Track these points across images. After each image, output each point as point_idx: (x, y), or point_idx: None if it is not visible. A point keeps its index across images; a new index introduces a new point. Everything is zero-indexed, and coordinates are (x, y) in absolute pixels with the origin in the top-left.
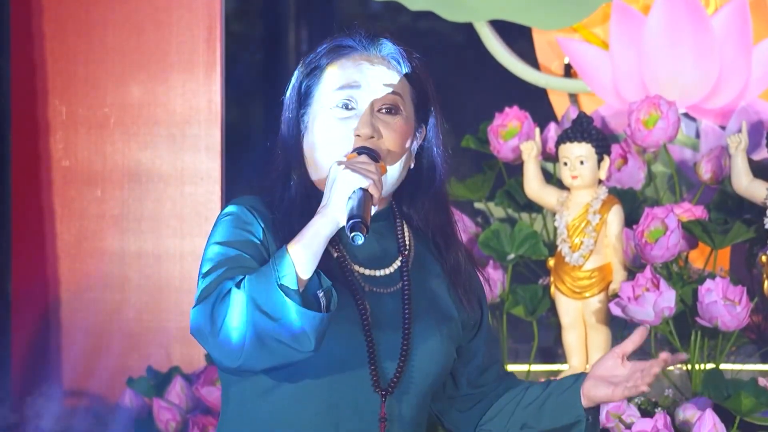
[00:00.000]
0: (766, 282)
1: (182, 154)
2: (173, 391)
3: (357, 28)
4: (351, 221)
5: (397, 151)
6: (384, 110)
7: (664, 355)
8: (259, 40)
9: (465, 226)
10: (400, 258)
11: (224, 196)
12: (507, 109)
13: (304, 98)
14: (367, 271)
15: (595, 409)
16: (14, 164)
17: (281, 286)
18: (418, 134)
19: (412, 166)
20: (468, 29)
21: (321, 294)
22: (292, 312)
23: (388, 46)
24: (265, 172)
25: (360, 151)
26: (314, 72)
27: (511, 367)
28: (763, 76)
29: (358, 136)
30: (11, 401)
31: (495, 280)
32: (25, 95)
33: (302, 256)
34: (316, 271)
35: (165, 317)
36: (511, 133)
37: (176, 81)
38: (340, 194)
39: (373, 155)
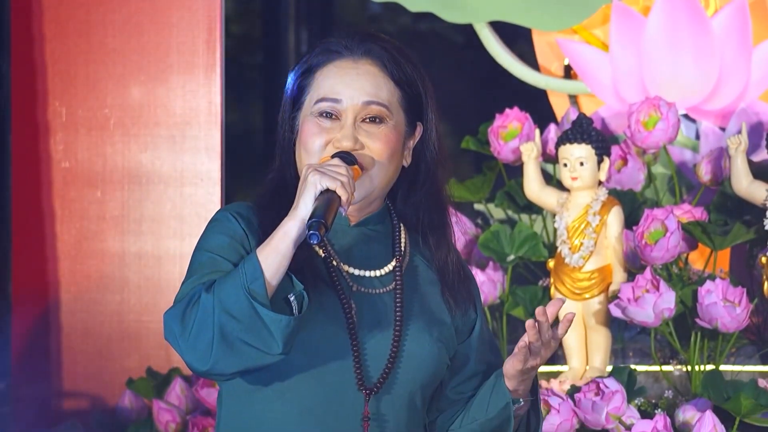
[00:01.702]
0: (765, 283)
1: (182, 155)
2: (173, 393)
3: (348, 31)
4: (309, 221)
5: (382, 159)
6: (368, 119)
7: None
8: (259, 41)
9: (465, 228)
10: (394, 261)
11: (224, 197)
12: (507, 111)
13: (296, 100)
14: (356, 272)
15: (533, 393)
16: (14, 165)
17: (249, 290)
18: (413, 133)
19: (407, 164)
20: (468, 30)
21: (292, 298)
22: (260, 316)
23: (376, 50)
24: (265, 172)
25: (335, 155)
26: (306, 74)
27: None
28: (763, 78)
29: (339, 148)
30: (10, 402)
31: (495, 282)
32: (25, 96)
33: (271, 258)
34: (288, 274)
35: None
36: (511, 134)
37: (176, 82)
38: (307, 196)
39: (349, 159)
